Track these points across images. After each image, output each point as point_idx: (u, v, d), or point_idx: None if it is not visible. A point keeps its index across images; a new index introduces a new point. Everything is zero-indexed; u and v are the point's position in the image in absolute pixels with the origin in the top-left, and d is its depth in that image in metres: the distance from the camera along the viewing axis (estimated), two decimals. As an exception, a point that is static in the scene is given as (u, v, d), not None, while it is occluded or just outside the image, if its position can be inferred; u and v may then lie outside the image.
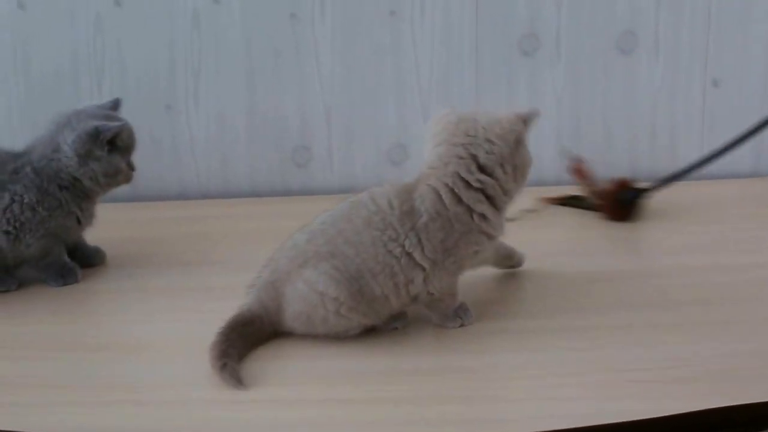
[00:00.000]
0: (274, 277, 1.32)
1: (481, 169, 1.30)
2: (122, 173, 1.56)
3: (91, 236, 1.64)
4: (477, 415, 1.15)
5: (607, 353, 1.26)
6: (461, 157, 1.30)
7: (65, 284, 1.57)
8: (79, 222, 1.57)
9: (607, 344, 1.29)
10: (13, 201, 1.51)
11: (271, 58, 1.92)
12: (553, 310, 1.39)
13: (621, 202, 1.72)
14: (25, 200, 1.51)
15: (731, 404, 1.13)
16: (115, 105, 1.60)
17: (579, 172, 1.78)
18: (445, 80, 1.93)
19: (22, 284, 1.56)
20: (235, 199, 1.96)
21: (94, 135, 1.51)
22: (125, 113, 1.57)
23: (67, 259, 1.59)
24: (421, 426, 1.13)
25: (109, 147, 1.53)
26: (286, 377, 1.25)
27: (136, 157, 1.58)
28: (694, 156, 1.89)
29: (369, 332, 1.32)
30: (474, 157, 1.30)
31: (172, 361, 1.30)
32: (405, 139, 1.96)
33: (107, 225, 1.64)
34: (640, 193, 1.72)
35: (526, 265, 1.50)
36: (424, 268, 1.28)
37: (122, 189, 1.62)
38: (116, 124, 1.53)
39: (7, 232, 1.51)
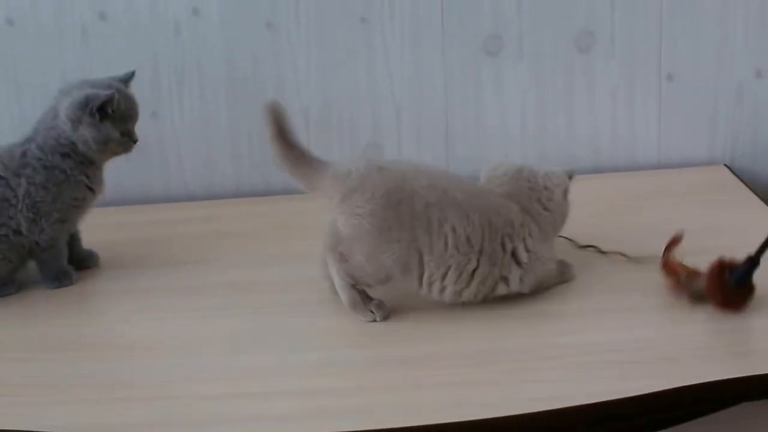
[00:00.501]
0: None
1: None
2: (114, 141, 1.56)
3: (83, 239, 1.67)
4: (461, 399, 1.19)
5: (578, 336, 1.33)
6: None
7: (60, 286, 1.60)
8: (90, 190, 1.59)
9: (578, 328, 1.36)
10: (30, 184, 1.54)
11: (249, 63, 1.98)
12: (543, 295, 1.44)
13: (732, 288, 1.38)
14: (36, 180, 1.54)
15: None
16: (128, 77, 1.62)
17: (669, 267, 1.44)
18: (416, 82, 1.99)
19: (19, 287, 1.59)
20: (219, 200, 2.00)
21: (84, 103, 1.53)
22: None
23: (64, 262, 1.61)
24: (407, 412, 1.17)
25: (100, 115, 1.53)
26: (288, 369, 1.29)
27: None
28: (652, 149, 2.00)
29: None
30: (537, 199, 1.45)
31: (168, 358, 1.34)
32: (379, 137, 2.01)
33: (97, 229, 1.68)
34: (749, 267, 1.38)
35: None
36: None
37: (110, 194, 1.67)
38: (106, 92, 1.53)
39: (27, 218, 1.54)
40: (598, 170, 2.03)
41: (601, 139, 2.03)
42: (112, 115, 1.55)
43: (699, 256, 1.41)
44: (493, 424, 1.14)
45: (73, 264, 1.64)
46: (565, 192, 1.49)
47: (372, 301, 1.41)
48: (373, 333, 1.38)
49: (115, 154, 1.59)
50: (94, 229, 1.67)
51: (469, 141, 2.02)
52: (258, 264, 1.62)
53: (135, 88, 1.92)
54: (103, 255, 1.68)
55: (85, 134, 1.54)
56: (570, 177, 1.50)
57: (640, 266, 1.51)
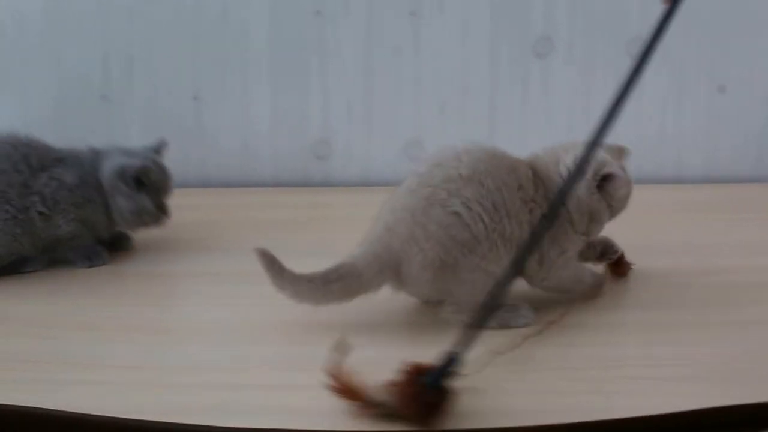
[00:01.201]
0: (390, 225, 1.28)
1: None
2: (147, 212, 1.57)
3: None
4: (480, 407, 1.14)
5: (614, 350, 1.28)
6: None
7: (92, 266, 1.59)
8: (109, 219, 1.59)
9: (613, 341, 1.30)
10: (50, 179, 1.53)
11: (296, 53, 1.95)
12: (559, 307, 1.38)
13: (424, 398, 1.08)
14: (64, 179, 1.54)
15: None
16: (160, 147, 1.63)
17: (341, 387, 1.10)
18: (461, 79, 1.96)
19: (51, 264, 1.57)
20: (257, 188, 1.99)
21: (120, 172, 1.55)
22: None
23: (93, 242, 1.60)
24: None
25: (136, 185, 1.56)
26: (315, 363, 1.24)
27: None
28: (698, 162, 1.94)
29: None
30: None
31: (193, 344, 1.31)
32: (421, 135, 1.99)
33: None
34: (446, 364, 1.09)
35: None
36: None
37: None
38: (138, 162, 1.56)
39: (41, 213, 1.53)
40: (641, 181, 1.96)
41: (646, 149, 1.98)
42: (147, 185, 1.57)
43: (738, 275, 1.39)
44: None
45: (106, 245, 1.62)
46: (592, 183, 1.34)
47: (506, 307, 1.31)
48: (407, 331, 1.33)
49: (146, 226, 1.60)
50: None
51: (512, 144, 1.95)
52: (292, 254, 1.58)
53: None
54: (136, 237, 1.66)
55: (121, 204, 1.56)
56: (599, 172, 1.35)
57: (679, 280, 1.47)
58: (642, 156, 1.94)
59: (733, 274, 1.49)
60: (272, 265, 1.29)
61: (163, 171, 1.60)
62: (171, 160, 1.62)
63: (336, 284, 1.27)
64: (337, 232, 1.44)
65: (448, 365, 1.10)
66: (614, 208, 1.38)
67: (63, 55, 1.96)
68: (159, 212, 1.59)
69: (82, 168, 1.56)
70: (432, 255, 1.25)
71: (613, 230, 1.45)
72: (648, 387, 1.17)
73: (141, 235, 1.66)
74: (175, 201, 1.63)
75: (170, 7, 1.94)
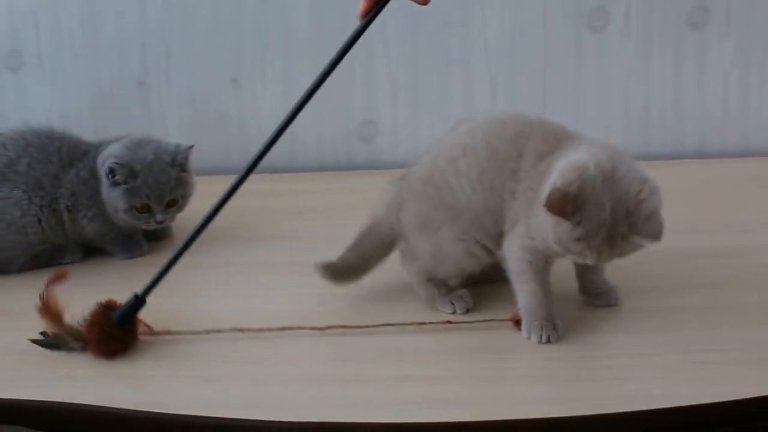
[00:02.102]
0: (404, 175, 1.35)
1: None
2: (121, 210, 1.51)
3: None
4: (545, 395, 1.12)
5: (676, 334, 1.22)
6: None
7: (131, 257, 1.57)
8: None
9: (676, 325, 1.25)
10: (75, 175, 1.53)
11: (339, 31, 1.88)
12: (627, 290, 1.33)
13: (114, 329, 1.26)
14: (81, 174, 1.53)
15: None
16: (178, 152, 1.55)
17: (48, 310, 1.28)
18: (512, 55, 1.88)
19: (90, 255, 1.56)
20: (300, 173, 1.93)
21: (101, 162, 1.51)
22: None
23: (130, 233, 1.58)
24: (474, 404, 1.11)
25: (111, 178, 1.50)
26: (363, 354, 1.23)
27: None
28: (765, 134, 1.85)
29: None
30: None
31: (233, 339, 1.27)
32: (472, 113, 1.90)
33: None
34: (133, 305, 1.27)
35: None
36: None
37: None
38: (119, 157, 1.51)
39: (67, 208, 1.53)
40: (704, 155, 1.90)
41: (710, 123, 1.90)
42: (121, 183, 1.50)
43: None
44: (586, 422, 1.07)
45: (146, 235, 1.60)
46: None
47: (453, 292, 1.32)
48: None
49: (127, 224, 1.55)
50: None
51: (567, 120, 1.89)
52: (338, 242, 1.54)
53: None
54: (175, 225, 1.61)
55: (104, 195, 1.53)
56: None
57: (739, 262, 1.41)
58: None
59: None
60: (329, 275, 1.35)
61: (152, 175, 1.51)
62: (211, 147, 1.56)
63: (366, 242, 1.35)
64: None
65: (133, 306, 1.25)
66: None
67: (100, 40, 1.91)
68: (138, 213, 1.52)
69: (95, 161, 1.55)
70: (423, 206, 1.29)
71: (682, 210, 1.38)
72: (714, 373, 1.14)
73: (179, 222, 1.60)
74: (216, 188, 1.59)
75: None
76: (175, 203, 1.54)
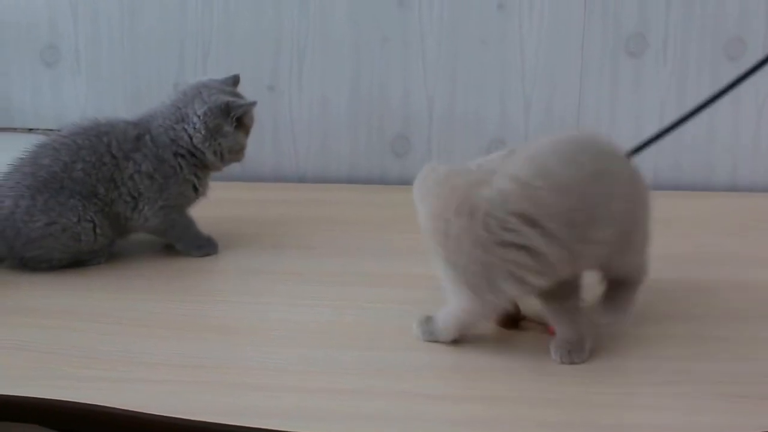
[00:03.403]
0: None
1: None
2: (243, 150, 1.55)
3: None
4: (564, 419, 1.10)
5: (702, 365, 1.21)
6: None
7: (206, 254, 1.57)
8: (195, 190, 1.56)
9: (702, 355, 1.24)
10: (136, 171, 1.51)
11: (377, 44, 1.88)
12: (648, 317, 1.32)
13: None
14: (143, 169, 1.51)
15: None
16: (235, 82, 1.58)
17: None
18: (550, 75, 1.87)
19: (121, 258, 1.55)
20: (332, 184, 1.92)
21: (225, 110, 1.51)
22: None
23: (197, 231, 1.59)
24: (493, 425, 1.09)
25: (236, 124, 1.52)
26: (388, 368, 1.21)
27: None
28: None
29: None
30: None
31: (257, 344, 1.27)
32: (505, 133, 1.90)
33: (204, 204, 1.61)
34: None
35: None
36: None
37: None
38: (246, 102, 1.52)
39: (127, 202, 1.52)
40: (735, 188, 1.90)
41: (741, 155, 1.89)
42: (246, 124, 1.54)
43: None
44: None
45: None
46: None
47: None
48: (464, 340, 1.27)
49: (233, 162, 1.58)
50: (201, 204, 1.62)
51: None
52: (367, 254, 1.55)
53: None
54: (207, 230, 1.61)
55: (221, 143, 1.53)
56: None
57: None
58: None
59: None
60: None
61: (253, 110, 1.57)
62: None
63: None
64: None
65: None
66: None
67: (139, 42, 1.91)
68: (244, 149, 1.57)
69: (156, 144, 1.52)
70: None
71: (709, 240, 1.37)
72: (736, 404, 1.12)
73: (212, 228, 1.60)
74: (244, 195, 1.61)
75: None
76: None
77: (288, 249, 1.59)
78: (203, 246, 1.58)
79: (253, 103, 1.53)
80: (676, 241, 1.48)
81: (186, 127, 1.52)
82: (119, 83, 1.91)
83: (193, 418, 1.09)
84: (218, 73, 1.59)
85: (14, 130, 1.92)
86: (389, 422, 1.09)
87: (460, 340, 1.26)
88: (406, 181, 1.87)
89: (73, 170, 1.49)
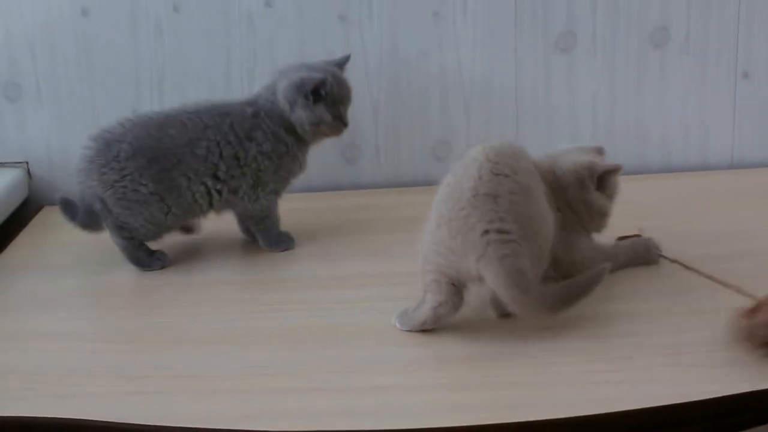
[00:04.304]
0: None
1: None
2: (326, 123, 1.58)
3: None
4: (524, 400, 1.15)
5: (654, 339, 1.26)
6: None
7: (286, 249, 1.63)
8: (300, 168, 1.63)
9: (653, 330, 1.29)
10: (258, 151, 1.57)
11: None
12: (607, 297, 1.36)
13: None
14: (264, 149, 1.57)
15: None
16: (344, 61, 1.64)
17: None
18: (487, 77, 1.92)
19: (97, 276, 1.57)
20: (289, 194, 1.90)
21: (299, 85, 1.56)
22: None
23: (279, 227, 1.64)
24: (462, 411, 1.14)
25: (314, 97, 1.56)
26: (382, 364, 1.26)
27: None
28: (726, 150, 1.93)
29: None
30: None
31: (234, 350, 1.30)
32: (449, 135, 1.95)
33: None
34: None
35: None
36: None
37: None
38: (319, 75, 1.56)
39: (249, 183, 1.58)
40: (668, 169, 1.96)
41: (672, 138, 1.95)
42: (325, 97, 1.57)
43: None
44: (563, 424, 1.10)
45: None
46: (582, 185, 1.39)
47: None
48: (438, 331, 1.32)
49: (326, 136, 1.62)
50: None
51: (539, 139, 1.93)
52: (335, 258, 1.61)
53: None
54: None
55: (300, 115, 1.56)
56: (591, 169, 1.39)
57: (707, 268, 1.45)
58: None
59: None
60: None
61: (341, 83, 1.60)
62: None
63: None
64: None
65: None
66: (613, 196, 1.42)
67: (95, 74, 1.93)
68: (337, 122, 1.59)
69: (271, 119, 1.58)
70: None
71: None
72: (686, 373, 1.17)
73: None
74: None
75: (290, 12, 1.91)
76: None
77: (252, 258, 1.62)
78: (283, 241, 1.64)
79: (324, 77, 1.56)
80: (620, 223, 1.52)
81: (279, 101, 1.57)
82: (80, 115, 1.93)
83: (175, 425, 1.13)
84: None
85: (-18, 162, 1.94)
86: (383, 413, 1.14)
87: (433, 332, 1.30)
88: (357, 186, 1.95)
89: (197, 146, 1.54)
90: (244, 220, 1.65)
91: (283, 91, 1.57)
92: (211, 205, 1.59)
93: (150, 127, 1.55)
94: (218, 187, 1.56)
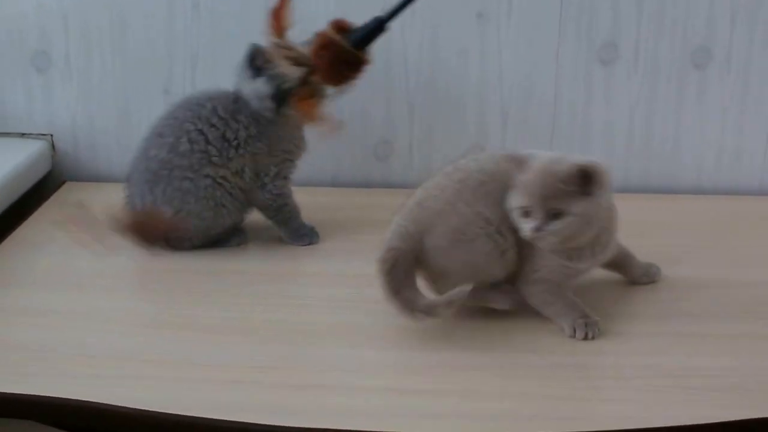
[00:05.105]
0: (421, 200, 1.33)
1: None
2: (271, 97, 1.51)
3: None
4: (537, 412, 1.14)
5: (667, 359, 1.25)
6: None
7: (310, 243, 1.60)
8: (297, 147, 1.59)
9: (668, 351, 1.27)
10: (248, 135, 1.53)
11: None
12: (627, 314, 1.36)
13: (349, 50, 1.29)
14: (252, 131, 1.53)
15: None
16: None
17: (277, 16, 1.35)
18: (527, 83, 1.88)
19: (114, 258, 1.54)
20: (316, 188, 1.90)
21: (246, 59, 1.51)
22: None
23: (302, 219, 1.62)
24: (473, 420, 1.13)
25: (252, 71, 1.51)
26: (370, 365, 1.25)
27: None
28: (756, 175, 1.90)
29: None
30: None
31: (246, 342, 1.30)
32: (483, 139, 1.91)
33: None
34: (374, 26, 1.30)
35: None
36: None
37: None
38: (252, 48, 1.51)
39: (253, 169, 1.55)
40: (700, 191, 1.92)
41: (704, 160, 1.91)
42: (265, 69, 1.50)
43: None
44: None
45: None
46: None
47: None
48: (448, 337, 1.31)
49: (305, 109, 1.53)
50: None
51: (572, 151, 1.85)
52: (348, 255, 1.58)
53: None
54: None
55: (247, 92, 1.53)
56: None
57: (723, 292, 1.43)
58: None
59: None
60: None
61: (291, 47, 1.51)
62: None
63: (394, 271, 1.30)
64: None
65: (373, 29, 1.21)
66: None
67: (128, 51, 1.89)
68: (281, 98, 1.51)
69: (249, 99, 1.53)
70: (455, 225, 1.29)
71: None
72: (688, 397, 1.16)
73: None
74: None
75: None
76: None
77: (274, 250, 1.61)
78: (307, 235, 1.61)
79: (255, 48, 1.49)
80: (645, 242, 1.51)
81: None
82: (110, 90, 1.90)
83: (183, 413, 1.12)
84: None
85: (7, 134, 1.92)
86: (386, 416, 1.13)
87: (452, 337, 1.30)
88: (389, 185, 1.92)
89: (179, 146, 1.51)
90: (264, 213, 1.62)
91: (240, 68, 1.53)
92: (231, 195, 1.55)
93: (138, 164, 1.55)
94: (221, 173, 1.53)
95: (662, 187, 1.91)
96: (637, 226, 1.40)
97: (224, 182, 1.53)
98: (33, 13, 1.87)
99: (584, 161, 1.24)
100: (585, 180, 1.23)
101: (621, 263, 1.44)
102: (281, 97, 1.49)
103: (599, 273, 1.42)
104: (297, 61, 1.30)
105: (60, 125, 1.92)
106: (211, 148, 1.51)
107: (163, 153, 1.52)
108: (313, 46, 1.27)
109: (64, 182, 1.89)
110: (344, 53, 1.27)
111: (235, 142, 1.52)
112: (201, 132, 1.51)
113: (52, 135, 1.92)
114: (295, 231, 1.61)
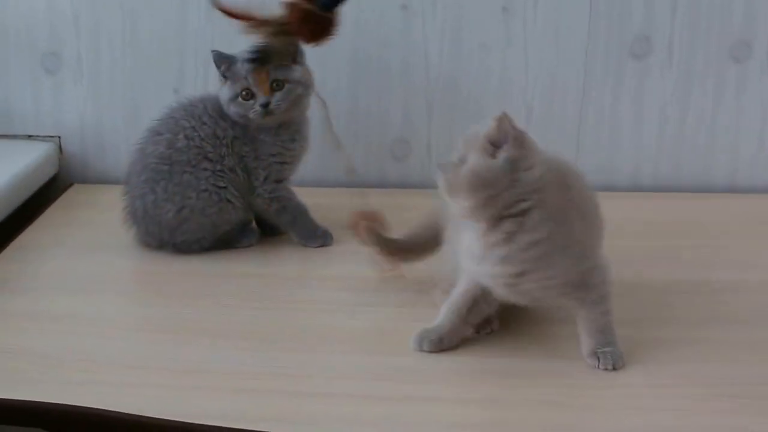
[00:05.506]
0: None
1: None
2: (231, 101, 1.51)
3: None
4: (564, 421, 1.10)
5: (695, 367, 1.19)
6: None
7: (323, 245, 1.57)
8: (283, 153, 1.54)
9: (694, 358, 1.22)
10: (234, 136, 1.52)
11: (378, 48, 1.81)
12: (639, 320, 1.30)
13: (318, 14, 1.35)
14: (237, 133, 1.52)
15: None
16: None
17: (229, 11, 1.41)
18: (553, 79, 1.81)
19: (119, 262, 1.51)
20: (332, 188, 1.84)
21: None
22: None
23: (312, 220, 1.58)
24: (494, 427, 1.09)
25: (224, 77, 1.52)
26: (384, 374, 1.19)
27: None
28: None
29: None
30: None
31: (258, 348, 1.25)
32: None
33: None
34: None
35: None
36: None
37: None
38: (218, 55, 1.52)
39: (245, 170, 1.54)
40: (734, 189, 1.84)
41: (741, 158, 1.83)
42: (228, 75, 1.52)
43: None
44: None
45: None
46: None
47: None
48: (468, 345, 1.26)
49: (245, 119, 1.52)
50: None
51: (599, 149, 1.83)
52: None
53: None
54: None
55: (221, 97, 1.52)
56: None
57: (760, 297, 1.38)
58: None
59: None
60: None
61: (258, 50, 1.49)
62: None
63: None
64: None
65: None
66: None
67: (139, 51, 1.84)
68: (243, 100, 1.50)
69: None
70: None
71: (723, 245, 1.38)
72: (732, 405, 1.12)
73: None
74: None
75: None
76: (280, 87, 1.49)
77: (287, 251, 1.56)
78: (320, 237, 1.57)
79: (216, 51, 1.51)
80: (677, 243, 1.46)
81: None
82: (119, 92, 1.85)
83: (190, 421, 1.08)
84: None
85: (14, 137, 1.87)
86: (389, 425, 1.09)
87: (461, 345, 1.24)
88: (406, 185, 1.86)
89: (177, 142, 1.50)
90: (264, 217, 1.59)
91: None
92: (232, 189, 1.52)
93: (135, 164, 1.54)
94: (218, 168, 1.51)
95: (695, 186, 1.84)
96: (668, 227, 1.33)
97: (223, 175, 1.51)
98: (43, 14, 1.83)
99: None
100: None
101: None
102: (264, 55, 1.48)
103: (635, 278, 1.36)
104: (277, 31, 1.36)
105: (68, 126, 1.88)
106: (206, 145, 1.51)
107: (161, 148, 1.51)
108: (287, 17, 1.34)
109: (71, 184, 1.86)
110: (317, 18, 1.35)
111: (225, 141, 1.51)
112: (195, 129, 1.51)
113: (59, 137, 1.88)
114: (305, 232, 1.57)
